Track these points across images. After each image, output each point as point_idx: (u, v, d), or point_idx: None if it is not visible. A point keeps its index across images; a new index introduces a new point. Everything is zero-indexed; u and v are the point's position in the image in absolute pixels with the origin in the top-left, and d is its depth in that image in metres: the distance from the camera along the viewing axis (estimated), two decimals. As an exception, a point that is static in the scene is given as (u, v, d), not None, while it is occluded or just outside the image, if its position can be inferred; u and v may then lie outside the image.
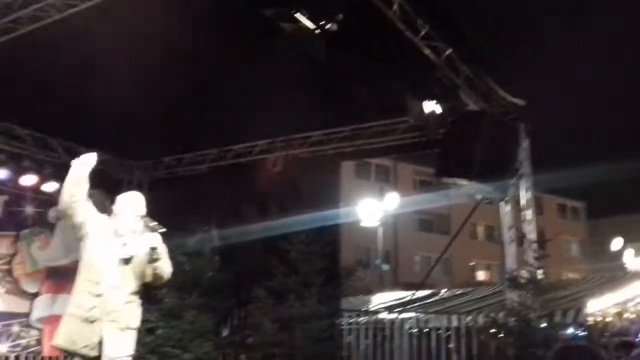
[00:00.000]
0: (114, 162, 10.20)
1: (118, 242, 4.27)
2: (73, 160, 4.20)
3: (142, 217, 4.34)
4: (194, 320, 8.43)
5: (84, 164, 4.20)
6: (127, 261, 4.27)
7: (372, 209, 19.32)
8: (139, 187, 10.10)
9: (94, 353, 4.11)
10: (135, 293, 4.35)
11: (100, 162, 10.27)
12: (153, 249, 4.25)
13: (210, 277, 8.82)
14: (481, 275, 33.92)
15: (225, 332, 9.21)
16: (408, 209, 23.50)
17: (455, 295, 11.13)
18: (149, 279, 4.35)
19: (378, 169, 30.02)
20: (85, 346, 4.07)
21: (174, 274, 4.86)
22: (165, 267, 4.38)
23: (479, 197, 7.57)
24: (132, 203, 4.43)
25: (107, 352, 4.12)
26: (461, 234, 15.30)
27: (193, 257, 8.76)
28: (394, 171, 30.66)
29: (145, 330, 7.37)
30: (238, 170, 9.81)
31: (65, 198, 4.15)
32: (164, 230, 4.27)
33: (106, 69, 6.83)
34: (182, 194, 9.67)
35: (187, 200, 9.45)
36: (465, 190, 7.27)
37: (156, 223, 4.30)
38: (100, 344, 4.11)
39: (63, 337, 4.12)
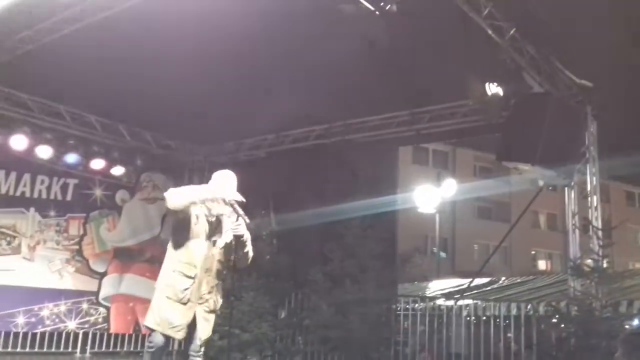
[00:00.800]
0: (178, 146, 10.47)
1: (211, 226, 4.36)
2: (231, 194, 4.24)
3: (232, 203, 4.32)
4: (253, 302, 8.68)
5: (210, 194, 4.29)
6: (218, 244, 4.36)
7: (430, 195, 19.08)
8: (200, 171, 10.39)
9: (180, 335, 4.24)
10: (220, 277, 4.48)
11: (164, 146, 10.61)
12: (240, 237, 4.34)
13: (268, 261, 8.98)
14: (542, 264, 32.99)
15: (282, 314, 9.31)
16: (467, 196, 23.05)
17: (515, 284, 10.87)
18: (231, 263, 4.48)
19: (436, 154, 29.55)
20: (174, 327, 4.18)
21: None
22: (249, 254, 4.50)
23: (541, 183, 7.33)
24: (226, 183, 4.45)
25: (198, 334, 4.28)
26: (522, 222, 14.89)
27: (254, 240, 8.92)
28: (453, 157, 30.11)
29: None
30: (296, 155, 9.85)
31: (183, 201, 4.18)
32: (248, 220, 4.35)
33: (170, 57, 6.99)
34: (241, 178, 9.72)
35: (246, 184, 9.50)
36: (527, 176, 7.05)
37: (242, 212, 4.34)
38: (188, 326, 4.24)
39: (154, 318, 4.24)
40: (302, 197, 9.22)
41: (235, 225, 4.31)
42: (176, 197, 4.20)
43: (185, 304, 4.19)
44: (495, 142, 7.13)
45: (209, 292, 4.31)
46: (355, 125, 9.33)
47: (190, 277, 4.22)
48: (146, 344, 4.35)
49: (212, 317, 4.39)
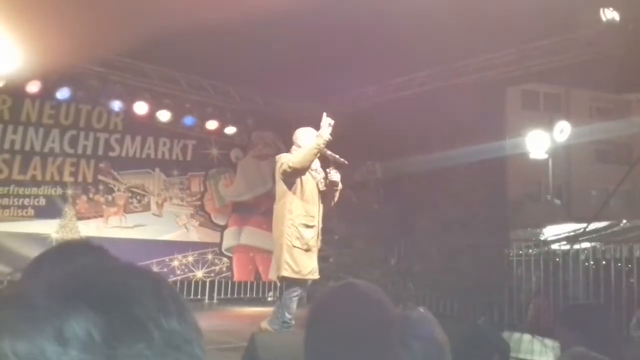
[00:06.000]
0: (284, 104, 10.57)
1: (316, 179, 4.96)
2: (323, 125, 4.74)
3: (332, 156, 4.88)
4: (364, 249, 8.84)
5: (329, 129, 4.76)
6: (321, 193, 4.96)
7: (541, 140, 18.01)
8: (305, 126, 10.43)
9: (316, 276, 4.86)
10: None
11: (272, 105, 10.65)
12: (334, 182, 4.88)
13: (376, 209, 9.01)
14: (669, 208, 30.25)
15: (392, 261, 9.36)
16: (583, 139, 21.50)
17: (639, 226, 10.05)
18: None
19: (547, 97, 27.69)
20: (309, 272, 4.79)
21: (343, 206, 5.71)
22: (335, 199, 5.07)
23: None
24: (312, 137, 4.92)
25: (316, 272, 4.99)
26: (645, 163, 13.75)
27: (358, 189, 9.07)
28: (567, 99, 28.10)
29: (320, 258, 7.86)
30: (399, 104, 9.53)
31: (304, 164, 4.72)
32: (345, 162, 4.84)
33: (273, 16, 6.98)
34: (345, 130, 9.57)
35: (350, 136, 9.22)
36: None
37: (337, 156, 4.84)
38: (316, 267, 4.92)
39: (289, 268, 4.71)
40: (407, 145, 9.08)
41: (334, 174, 4.90)
42: (301, 161, 4.69)
43: (310, 249, 4.78)
44: (615, 74, 6.48)
45: (319, 236, 4.97)
46: (458, 68, 8.85)
47: (312, 227, 4.79)
48: (289, 294, 4.79)
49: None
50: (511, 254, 8.95)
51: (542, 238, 10.71)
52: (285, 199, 4.81)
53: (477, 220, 8.24)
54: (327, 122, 4.75)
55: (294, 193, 4.80)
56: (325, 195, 4.99)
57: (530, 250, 9.07)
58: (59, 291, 0.56)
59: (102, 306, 0.55)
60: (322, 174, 4.99)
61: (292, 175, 4.74)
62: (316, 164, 4.97)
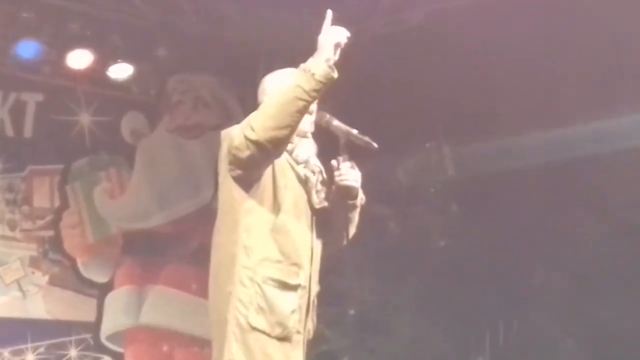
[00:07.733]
0: (241, 13, 10.44)
1: (306, 184, 4.91)
2: (324, 42, 4.44)
3: (330, 119, 4.83)
4: (412, 337, 9.37)
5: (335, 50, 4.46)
6: (318, 214, 4.93)
7: None
8: (282, 64, 10.52)
9: None
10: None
11: (212, 18, 10.50)
12: (347, 189, 4.75)
13: (444, 248, 9.42)
14: None
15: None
16: None
17: None
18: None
19: None
20: None
21: (368, 243, 6.42)
22: (354, 225, 4.99)
23: None
24: None
25: None
26: None
27: (406, 204, 9.60)
28: None
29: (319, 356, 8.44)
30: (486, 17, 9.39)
31: (279, 127, 4.44)
32: (373, 145, 4.71)
33: None
34: (372, 75, 9.81)
35: (384, 87, 9.81)
36: None
37: (356, 131, 4.72)
38: None
39: None
40: (510, 108, 9.47)
41: (348, 170, 4.76)
42: (272, 118, 4.42)
43: (288, 339, 4.60)
44: None
45: (314, 309, 4.85)
46: None
47: (294, 287, 4.63)
48: None
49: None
50: None
51: None
52: (238, 222, 4.64)
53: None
54: (335, 37, 4.29)
55: (260, 210, 4.68)
56: (327, 219, 4.86)
57: None
58: None
59: None
60: (320, 174, 4.81)
61: (254, 159, 4.40)
62: (309, 149, 4.79)
